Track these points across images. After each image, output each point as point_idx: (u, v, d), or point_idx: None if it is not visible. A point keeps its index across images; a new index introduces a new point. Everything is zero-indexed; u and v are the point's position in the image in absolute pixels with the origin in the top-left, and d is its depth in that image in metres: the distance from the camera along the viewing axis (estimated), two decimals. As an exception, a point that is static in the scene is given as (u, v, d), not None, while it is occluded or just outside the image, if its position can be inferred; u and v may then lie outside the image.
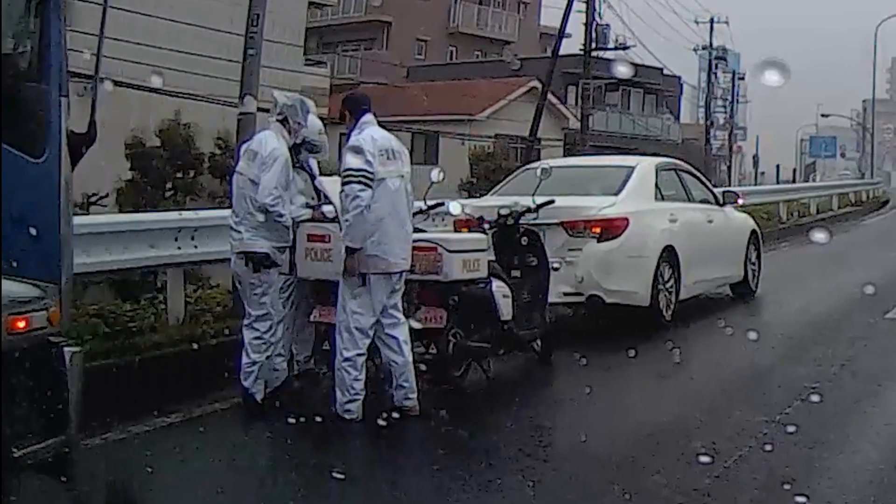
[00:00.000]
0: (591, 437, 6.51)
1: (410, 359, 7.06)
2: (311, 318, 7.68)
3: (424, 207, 8.73)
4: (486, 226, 8.57)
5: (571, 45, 34.63)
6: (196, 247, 9.08)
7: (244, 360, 7.15)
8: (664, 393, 7.85)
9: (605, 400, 7.58)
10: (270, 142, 7.20)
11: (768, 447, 6.00)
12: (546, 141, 36.75)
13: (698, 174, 11.94)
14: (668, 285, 10.09)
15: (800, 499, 4.92)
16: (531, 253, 8.58)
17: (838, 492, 5.32)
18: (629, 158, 11.76)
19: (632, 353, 8.65)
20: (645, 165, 10.81)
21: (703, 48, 50.80)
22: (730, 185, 49.39)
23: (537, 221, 9.22)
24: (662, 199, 10.63)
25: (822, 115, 63.58)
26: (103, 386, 6.80)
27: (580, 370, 8.51)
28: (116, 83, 23.53)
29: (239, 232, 7.12)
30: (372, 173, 6.76)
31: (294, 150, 7.43)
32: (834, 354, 8.85)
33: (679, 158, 39.46)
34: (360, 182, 6.72)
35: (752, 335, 9.44)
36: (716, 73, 52.51)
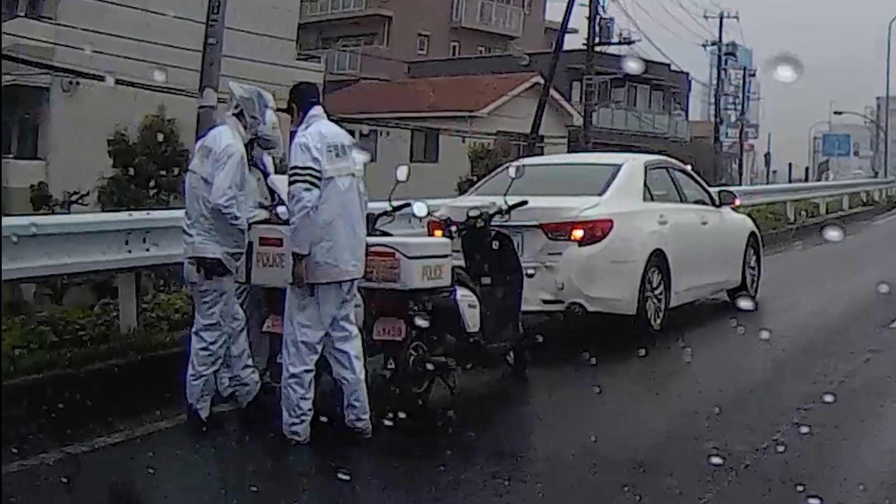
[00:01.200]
0: (561, 464, 6.01)
1: (363, 376, 6.56)
2: (264, 329, 7.18)
3: (390, 209, 8.25)
4: (454, 228, 7.95)
5: (577, 40, 34.12)
6: (148, 250, 8.52)
7: (189, 371, 6.72)
8: (648, 412, 7.25)
9: (582, 421, 7.01)
10: (225, 137, 6.74)
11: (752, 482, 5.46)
12: (549, 138, 36.24)
13: (692, 173, 11.27)
14: (656, 292, 9.47)
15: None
16: (503, 258, 7.95)
17: None
18: (616, 156, 11.16)
19: (615, 366, 8.10)
20: (632, 164, 10.16)
21: (713, 44, 50.06)
22: (740, 184, 48.95)
23: (514, 223, 8.69)
24: (652, 199, 9.99)
25: (836, 113, 62.95)
26: (44, 401, 6.55)
27: (556, 386, 8.04)
28: (99, 77, 23.22)
29: (191, 235, 6.70)
30: (319, 172, 6.25)
31: (248, 146, 6.95)
32: (835, 368, 8.18)
33: (688, 157, 39.18)
34: (305, 181, 6.22)
35: (747, 347, 8.89)
36: (725, 70, 51.75)
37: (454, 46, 51.53)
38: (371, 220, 8.18)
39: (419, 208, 8.07)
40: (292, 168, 6.27)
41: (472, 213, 7.96)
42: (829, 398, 6.94)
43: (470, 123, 37.03)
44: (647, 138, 46.97)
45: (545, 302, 9.02)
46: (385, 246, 7.00)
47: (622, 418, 7.02)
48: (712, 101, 54.75)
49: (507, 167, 10.61)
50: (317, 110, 6.56)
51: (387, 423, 6.36)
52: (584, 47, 32.21)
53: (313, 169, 6.21)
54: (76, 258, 7.98)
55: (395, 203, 8.33)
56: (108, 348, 7.88)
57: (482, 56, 49.70)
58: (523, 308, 8.70)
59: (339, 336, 6.48)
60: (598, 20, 31.47)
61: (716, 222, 10.89)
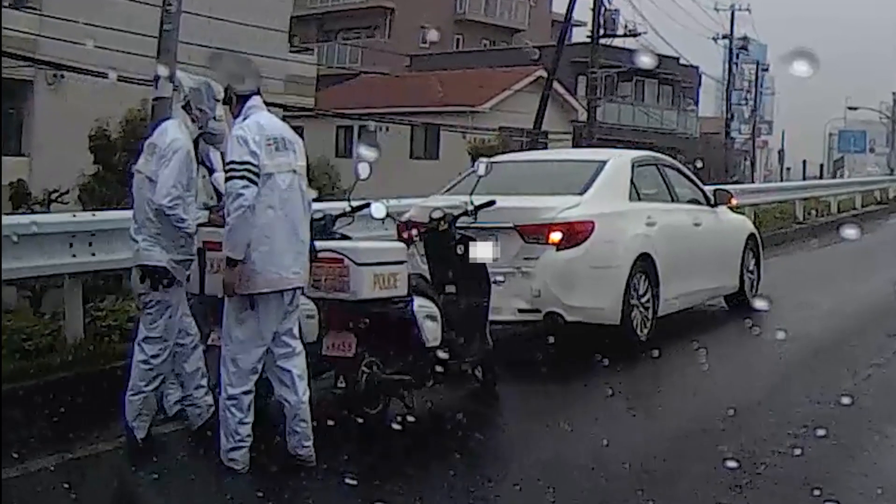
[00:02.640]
0: (532, 495, 5.43)
1: (306, 398, 5.99)
2: (209, 342, 6.62)
3: (349, 209, 7.74)
4: (415, 231, 7.34)
5: (584, 33, 33.58)
6: (94, 254, 8.09)
7: (129, 386, 6.23)
8: (628, 432, 6.64)
9: (558, 445, 6.41)
10: (171, 132, 6.27)
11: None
12: (553, 134, 35.67)
13: (685, 170, 10.62)
14: (643, 300, 8.84)
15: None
16: (468, 264, 7.35)
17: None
18: (602, 152, 10.56)
19: (598, 381, 7.64)
20: (618, 160, 9.52)
21: (724, 37, 49.28)
22: (753, 182, 48.28)
23: (487, 225, 8.12)
24: (639, 198, 9.35)
25: (850, 108, 62.16)
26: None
27: (529, 404, 7.46)
28: (80, 70, 22.72)
29: (136, 241, 6.23)
30: (257, 167, 5.71)
31: (197, 141, 6.49)
32: (835, 385, 7.54)
33: (697, 153, 38.50)
34: (243, 177, 5.66)
35: (742, 359, 8.31)
36: (737, 64, 50.99)
37: (458, 39, 50.94)
38: (329, 221, 7.73)
39: (377, 209, 7.51)
40: (228, 163, 5.76)
41: (435, 215, 7.35)
42: (845, 401, 6.69)
43: (471, 119, 36.43)
44: (654, 134, 46.34)
45: (520, 311, 8.43)
46: (333, 251, 6.46)
47: (603, 441, 6.40)
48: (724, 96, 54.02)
49: (478, 163, 10.04)
50: (255, 100, 6.01)
51: (335, 449, 5.95)
52: (588, 39, 31.60)
53: (251, 164, 5.69)
54: (13, 263, 7.48)
55: (355, 203, 7.80)
56: (52, 360, 7.46)
57: (486, 49, 49.08)
58: (496, 318, 8.22)
59: (281, 353, 5.95)
60: (602, 11, 30.83)
61: (710, 223, 10.24)
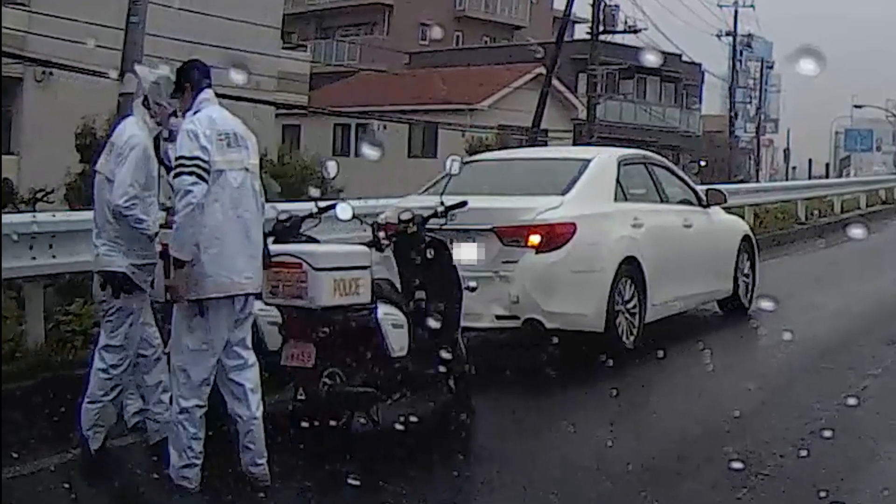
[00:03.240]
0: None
1: (260, 412, 5.66)
2: (167, 350, 6.18)
3: (315, 210, 7.42)
4: (382, 234, 6.95)
5: (586, 30, 33.11)
6: (55, 256, 7.78)
7: (86, 394, 5.94)
8: (619, 447, 6.19)
9: (537, 463, 6.03)
10: (128, 129, 6.00)
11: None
12: (553, 132, 35.30)
13: (676, 169, 10.23)
14: (629, 306, 8.45)
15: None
16: (438, 268, 6.96)
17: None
18: (587, 150, 10.19)
19: (579, 390, 7.36)
20: (604, 158, 9.12)
21: (728, 34, 48.85)
22: (758, 180, 47.89)
23: (464, 227, 7.83)
24: (625, 199, 8.96)
25: (856, 106, 61.69)
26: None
27: (504, 416, 7.06)
28: (69, 68, 22.36)
29: (97, 246, 5.96)
30: (207, 163, 5.40)
31: (157, 138, 6.18)
32: (835, 392, 7.14)
33: (701, 152, 38.02)
34: (192, 173, 5.36)
35: (734, 368, 8.12)
36: (741, 61, 50.54)
37: (457, 36, 50.54)
38: (296, 223, 7.41)
39: (343, 210, 7.15)
40: (177, 158, 5.45)
41: (404, 217, 6.97)
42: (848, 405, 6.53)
43: (470, 117, 36.05)
44: (657, 132, 45.98)
45: (498, 317, 8.05)
46: (291, 255, 6.13)
47: (585, 462, 6.06)
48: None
49: (471, 161, 9.67)
50: (208, 94, 5.70)
51: (292, 467, 5.74)
52: (588, 36, 31.20)
53: (201, 159, 5.38)
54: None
55: (322, 204, 7.46)
56: (12, 368, 7.15)
57: (486, 46, 48.70)
58: (473, 324, 7.85)
59: (232, 364, 5.62)
60: (602, 7, 30.41)
61: (702, 225, 9.84)
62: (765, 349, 9.17)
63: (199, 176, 5.34)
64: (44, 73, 26.47)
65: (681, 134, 48.82)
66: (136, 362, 6.08)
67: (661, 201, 9.52)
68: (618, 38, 36.43)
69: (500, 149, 29.12)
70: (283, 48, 30.28)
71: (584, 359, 8.11)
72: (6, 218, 9.68)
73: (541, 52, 31.83)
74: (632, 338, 8.45)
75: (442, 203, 7.06)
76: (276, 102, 26.96)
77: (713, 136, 51.58)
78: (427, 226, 7.03)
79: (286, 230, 7.38)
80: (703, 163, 47.24)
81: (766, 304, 10.59)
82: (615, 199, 8.80)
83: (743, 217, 18.78)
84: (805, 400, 7.08)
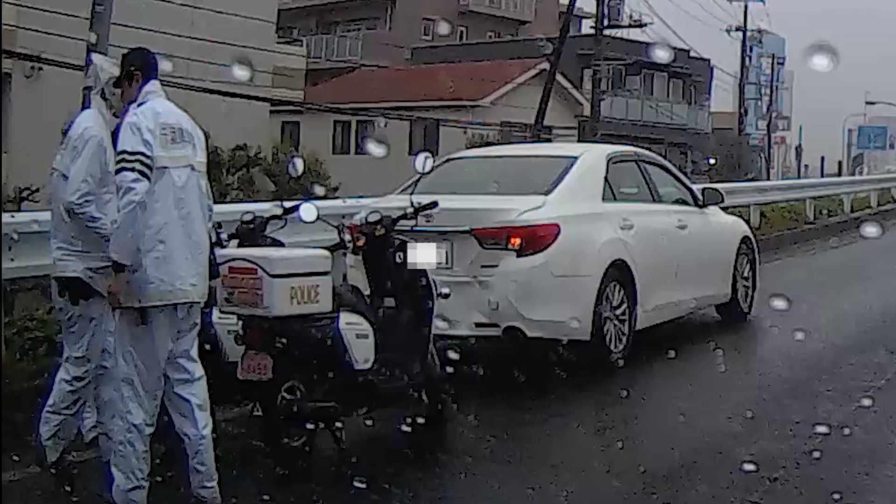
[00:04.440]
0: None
1: (209, 431, 5.33)
2: None
3: (280, 211, 7.06)
4: (348, 237, 6.56)
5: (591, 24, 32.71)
6: (13, 259, 7.42)
7: (48, 402, 5.65)
8: (591, 472, 5.92)
9: (518, 481, 5.67)
10: (83, 122, 5.71)
11: None
12: (558, 129, 34.90)
13: (671, 167, 9.78)
14: (618, 312, 8.02)
15: None
16: (408, 273, 6.55)
17: None
18: (575, 147, 9.77)
19: (565, 403, 6.97)
20: (591, 155, 8.69)
21: (738, 29, 48.32)
22: (769, 179, 47.38)
23: (441, 229, 7.43)
24: (614, 198, 8.52)
25: (868, 103, 61.21)
26: None
27: (482, 433, 6.61)
28: (59, 63, 22.01)
29: (53, 249, 5.64)
30: (150, 158, 5.07)
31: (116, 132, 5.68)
32: (826, 415, 6.70)
33: (711, 150, 37.51)
34: (133, 169, 5.03)
35: (728, 379, 7.69)
36: (750, 57, 50.02)
37: (461, 31, 50.12)
38: (260, 224, 7.05)
39: (307, 211, 6.77)
40: (119, 153, 5.13)
41: (371, 218, 6.56)
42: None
43: (472, 113, 35.65)
44: (664, 129, 45.54)
45: (478, 325, 7.64)
46: (246, 260, 5.78)
47: (572, 476, 5.76)
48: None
49: (451, 160, 9.25)
50: (154, 85, 5.39)
51: (247, 489, 5.50)
52: (592, 31, 30.80)
53: (143, 154, 5.06)
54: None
55: (288, 204, 7.09)
56: None
57: (490, 42, 48.29)
58: (451, 333, 7.44)
59: (178, 378, 5.30)
60: (607, 1, 30.00)
61: (698, 226, 9.40)
62: (763, 359, 8.76)
63: (141, 173, 5.01)
64: (32, 68, 26.15)
65: (689, 131, 48.34)
66: (99, 374, 5.74)
67: (654, 201, 9.08)
68: (626, 34, 36.07)
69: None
70: (278, 43, 29.89)
71: (567, 368, 7.69)
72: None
73: (549, 48, 31.45)
74: (620, 346, 8.02)
75: (412, 204, 6.64)
76: (271, 99, 26.57)
77: (723, 134, 51.10)
78: (401, 228, 6.64)
79: (250, 232, 7.04)
80: (711, 161, 46.85)
81: (767, 310, 10.23)
82: (603, 199, 8.37)
83: (748, 216, 18.59)
84: (800, 416, 6.66)
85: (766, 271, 13.52)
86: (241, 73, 19.32)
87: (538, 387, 7.35)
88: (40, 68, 25.90)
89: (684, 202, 9.58)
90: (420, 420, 6.31)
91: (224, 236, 6.89)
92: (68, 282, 5.53)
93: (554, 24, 49.99)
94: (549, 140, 31.13)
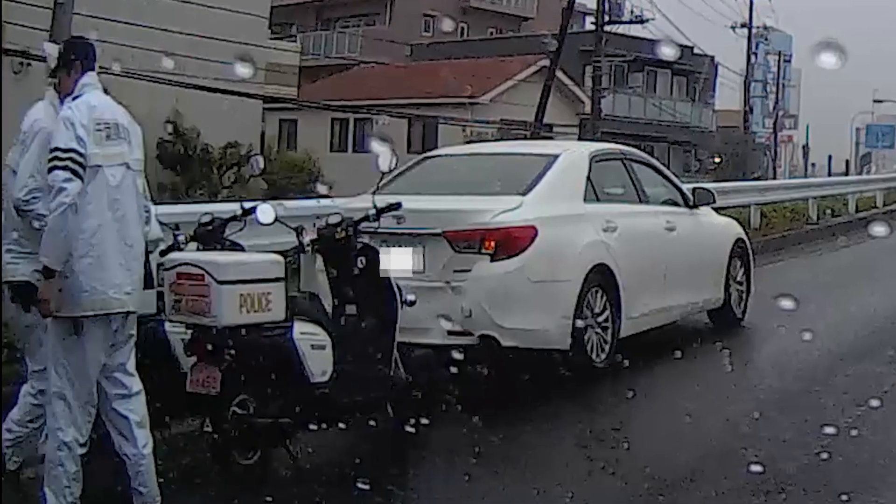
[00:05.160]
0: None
1: (149, 450, 5.07)
2: None
3: (239, 212, 6.70)
4: (307, 240, 6.18)
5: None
6: None
7: (13, 414, 5.42)
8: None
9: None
10: (33, 114, 5.37)
11: None
12: (559, 127, 34.53)
13: (660, 166, 9.37)
14: (600, 319, 7.63)
15: None
16: (370, 279, 6.18)
17: None
18: (557, 144, 9.39)
19: (534, 423, 6.54)
20: (573, 154, 8.29)
21: (743, 25, 47.83)
22: (775, 178, 46.96)
23: (412, 231, 7.12)
24: (597, 199, 8.11)
25: (876, 101, 60.73)
26: None
27: (454, 449, 6.19)
28: (38, 58, 21.69)
29: (4, 252, 5.34)
30: (84, 156, 4.77)
31: None
32: (819, 431, 6.29)
33: (715, 148, 37.06)
34: (66, 168, 4.73)
35: (718, 390, 7.32)
36: (755, 54, 49.54)
37: (463, 28, 49.73)
38: (218, 226, 6.72)
39: (264, 212, 6.39)
40: (52, 150, 4.82)
41: (332, 220, 6.18)
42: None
43: (471, 111, 35.29)
44: (667, 127, 45.16)
45: (450, 333, 7.23)
46: (193, 265, 5.47)
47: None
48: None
49: (429, 158, 8.88)
50: (91, 77, 5.08)
51: None
52: (593, 27, 30.41)
53: (76, 152, 4.76)
54: None
55: (247, 205, 6.74)
56: None
57: (491, 38, 47.89)
58: (423, 341, 7.08)
59: (115, 393, 5.02)
60: (608, -4, 29.63)
61: (688, 227, 9.00)
62: (756, 369, 8.37)
63: (73, 171, 4.70)
64: (21, 64, 25.84)
65: (693, 129, 47.91)
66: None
67: (641, 202, 8.68)
68: (629, 30, 35.65)
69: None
70: (272, 39, 29.52)
71: (543, 378, 7.34)
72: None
73: (554, 45, 31.10)
74: (602, 355, 7.63)
75: (374, 205, 6.27)
76: (264, 96, 26.22)
77: (729, 132, 50.66)
78: (368, 229, 6.28)
79: (208, 234, 6.69)
80: (717, 159, 46.45)
81: (762, 315, 9.86)
82: (585, 200, 7.96)
83: (749, 216, 18.20)
84: (793, 431, 6.28)
85: (765, 273, 13.19)
86: (232, 69, 19.02)
87: (541, 388, 7.14)
88: (28, 64, 25.63)
89: (674, 203, 9.19)
90: (423, 421, 6.03)
91: (182, 238, 6.61)
92: (18, 286, 5.17)
93: (556, 20, 49.44)
94: (550, 138, 30.75)
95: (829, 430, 5.94)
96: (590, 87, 36.00)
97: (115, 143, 4.90)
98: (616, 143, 10.28)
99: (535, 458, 6.07)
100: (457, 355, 6.40)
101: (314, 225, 6.36)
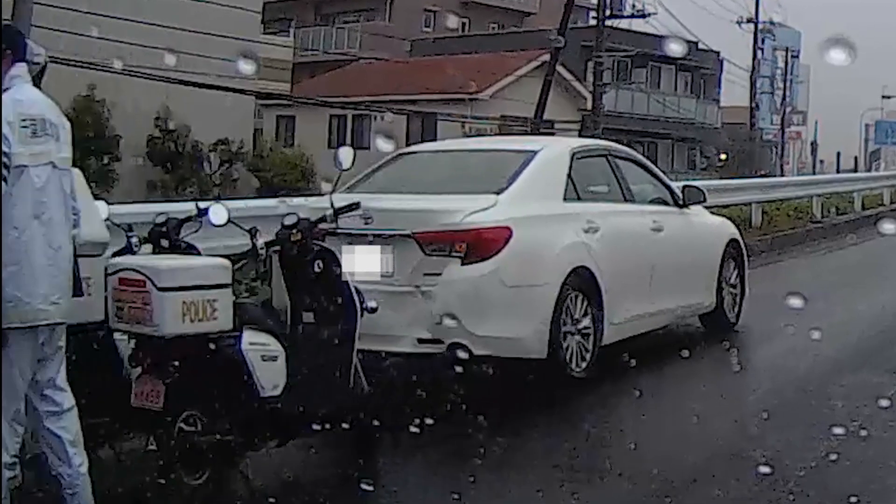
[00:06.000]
0: None
1: (85, 468, 4.74)
2: None
3: (195, 213, 6.26)
4: (260, 243, 5.82)
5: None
6: None
7: None
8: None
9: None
10: None
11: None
12: (560, 124, 34.18)
13: (648, 163, 8.97)
14: (580, 326, 7.24)
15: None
16: (328, 284, 5.82)
17: None
18: (538, 140, 9.00)
19: (516, 430, 6.19)
20: (553, 150, 7.89)
21: (749, 20, 47.37)
22: (782, 175, 46.56)
23: (380, 232, 6.84)
24: (578, 198, 7.72)
25: (885, 97, 60.36)
26: None
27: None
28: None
29: None
30: (8, 156, 4.42)
31: None
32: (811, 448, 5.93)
33: (721, 145, 36.69)
34: None
35: (706, 400, 6.98)
36: (762, 49, 49.06)
37: (464, 23, 49.36)
38: (173, 227, 6.36)
39: (216, 213, 6.03)
40: None
41: (288, 221, 5.82)
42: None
43: (471, 107, 34.95)
44: (672, 124, 44.79)
45: (421, 342, 6.89)
46: (134, 270, 5.12)
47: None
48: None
49: (402, 155, 8.52)
50: (20, 69, 4.70)
51: None
52: (595, 21, 30.03)
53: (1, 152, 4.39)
54: None
55: (202, 204, 6.37)
56: None
57: (492, 33, 47.51)
58: (392, 349, 6.75)
59: (46, 411, 4.70)
60: (609, -10, 29.26)
61: (677, 228, 8.60)
62: (748, 378, 7.99)
63: None
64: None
65: (698, 126, 47.49)
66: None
67: (626, 200, 8.28)
68: (632, 25, 35.30)
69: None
70: (265, 34, 29.23)
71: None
72: None
73: (561, 41, 30.73)
74: (584, 364, 7.25)
75: (332, 205, 5.91)
76: (256, 92, 25.93)
77: (735, 129, 50.26)
78: (339, 231, 5.95)
79: (163, 236, 6.33)
80: (722, 156, 46.08)
81: (757, 319, 9.49)
82: (565, 199, 7.57)
83: (750, 215, 17.83)
84: (784, 448, 5.90)
85: (765, 274, 12.85)
86: (223, 64, 18.68)
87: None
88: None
89: (662, 202, 8.80)
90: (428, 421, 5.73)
91: (135, 241, 6.26)
92: None
93: (559, 15, 49.16)
94: (551, 134, 30.39)
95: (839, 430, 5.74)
96: (592, 83, 35.65)
97: (41, 141, 4.56)
98: (618, 139, 9.94)
99: (539, 459, 5.94)
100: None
101: (250, 227, 6.00)
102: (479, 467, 5.52)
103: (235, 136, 24.87)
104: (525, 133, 28.73)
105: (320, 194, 7.24)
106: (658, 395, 7.16)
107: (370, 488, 5.39)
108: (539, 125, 28.40)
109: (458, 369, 6.25)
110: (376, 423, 5.84)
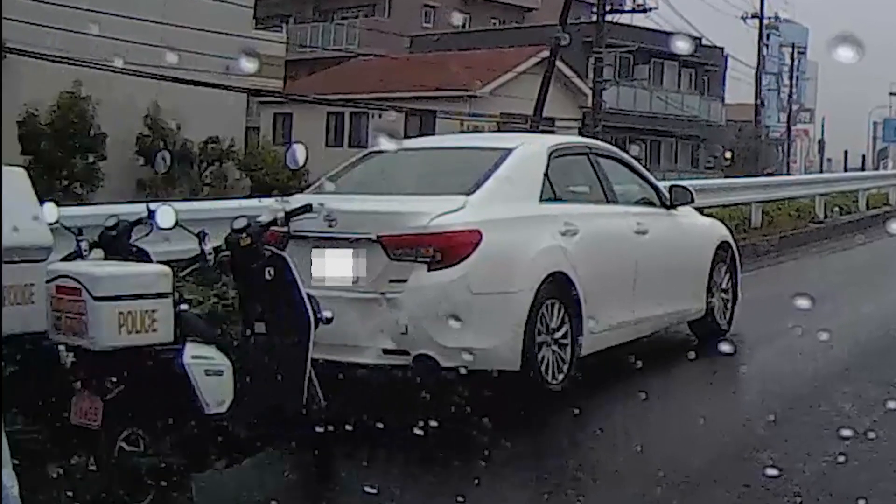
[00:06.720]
0: None
1: (17, 491, 4.17)
2: None
3: (146, 214, 5.99)
4: (209, 247, 5.49)
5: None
6: None
7: None
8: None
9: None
10: None
11: None
12: (560, 121, 33.87)
13: (633, 162, 8.59)
14: (557, 335, 6.87)
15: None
16: (279, 292, 5.49)
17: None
18: (513, 137, 8.63)
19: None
20: (529, 148, 7.51)
21: (753, 16, 46.98)
22: (789, 173, 46.17)
23: (344, 235, 6.55)
24: (556, 199, 7.35)
25: (892, 94, 59.96)
26: None
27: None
28: (10, 50, 21.15)
29: None
30: None
31: None
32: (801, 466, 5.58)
33: (726, 143, 36.28)
34: None
35: (690, 415, 6.61)
36: (767, 45, 48.65)
37: (465, 19, 48.97)
38: (124, 230, 6.08)
39: (164, 215, 5.71)
40: None
41: (237, 225, 5.48)
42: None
43: (470, 104, 34.60)
44: (674, 121, 44.41)
45: (386, 353, 6.54)
46: (70, 277, 4.83)
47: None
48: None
49: (373, 153, 8.18)
50: None
51: None
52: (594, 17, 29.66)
53: None
54: None
55: (152, 206, 6.07)
56: None
57: (493, 29, 47.13)
58: (356, 360, 6.43)
59: None
60: (610, -15, 28.88)
61: (663, 230, 8.23)
62: (738, 391, 7.67)
63: None
64: (-4, 55, 25.36)
65: (702, 123, 47.06)
66: None
67: (608, 201, 7.89)
68: (632, 20, 34.92)
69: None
70: (257, 29, 28.92)
71: (493, 403, 6.64)
72: None
73: (565, 38, 30.33)
74: (560, 376, 6.87)
75: (284, 208, 5.58)
76: (247, 88, 25.61)
77: (741, 127, 49.85)
78: (306, 234, 5.62)
79: (113, 240, 6.03)
80: (727, 154, 45.66)
81: (750, 326, 9.15)
82: (541, 199, 7.18)
83: (749, 215, 17.46)
84: (792, 450, 5.68)
85: (761, 276, 12.49)
86: (214, 60, 18.32)
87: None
88: (4, 56, 25.14)
89: (648, 202, 8.43)
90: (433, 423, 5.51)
91: (84, 245, 5.95)
92: None
93: (559, 10, 48.85)
94: (551, 132, 30.04)
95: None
96: (592, 80, 35.26)
97: None
98: (620, 137, 9.57)
99: (544, 461, 5.89)
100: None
101: (198, 231, 5.69)
102: (483, 469, 5.47)
103: (226, 134, 24.54)
104: (525, 131, 28.35)
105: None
106: (664, 398, 6.95)
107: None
108: (539, 122, 28.07)
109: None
110: (332, 438, 5.54)
